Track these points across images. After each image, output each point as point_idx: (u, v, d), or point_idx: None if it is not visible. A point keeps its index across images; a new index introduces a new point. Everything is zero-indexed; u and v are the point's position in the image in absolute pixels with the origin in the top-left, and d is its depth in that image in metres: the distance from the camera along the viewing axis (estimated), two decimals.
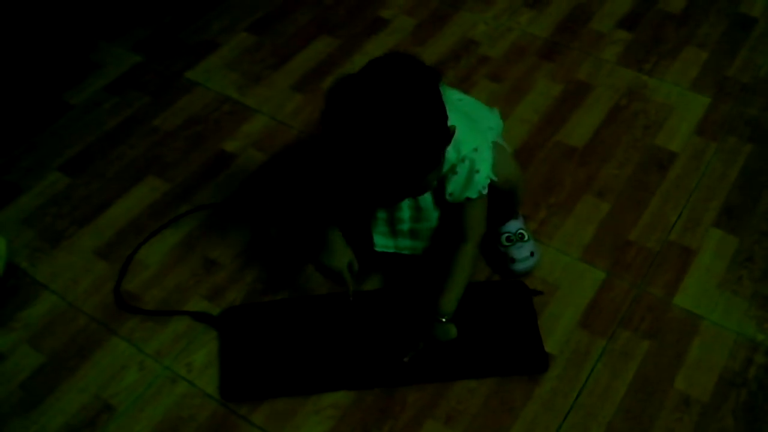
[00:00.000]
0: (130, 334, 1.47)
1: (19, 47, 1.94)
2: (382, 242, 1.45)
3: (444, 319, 1.37)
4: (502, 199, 1.49)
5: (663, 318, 1.48)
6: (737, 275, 1.54)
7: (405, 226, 1.41)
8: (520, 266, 1.51)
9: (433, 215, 1.39)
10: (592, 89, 1.92)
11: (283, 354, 1.41)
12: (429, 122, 1.16)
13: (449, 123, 1.21)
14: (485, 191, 1.34)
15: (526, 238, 1.53)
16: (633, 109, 1.87)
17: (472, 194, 1.32)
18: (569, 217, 1.64)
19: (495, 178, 1.35)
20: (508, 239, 1.53)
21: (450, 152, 1.27)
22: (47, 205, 1.68)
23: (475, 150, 1.30)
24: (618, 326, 1.47)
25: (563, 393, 1.38)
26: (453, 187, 1.32)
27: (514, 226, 1.54)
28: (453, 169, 1.31)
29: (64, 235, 1.63)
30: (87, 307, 1.51)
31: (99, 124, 1.86)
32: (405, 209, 1.38)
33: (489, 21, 2.12)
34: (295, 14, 2.15)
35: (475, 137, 1.31)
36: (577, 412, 1.35)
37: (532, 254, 1.52)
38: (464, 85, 1.90)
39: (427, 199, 1.36)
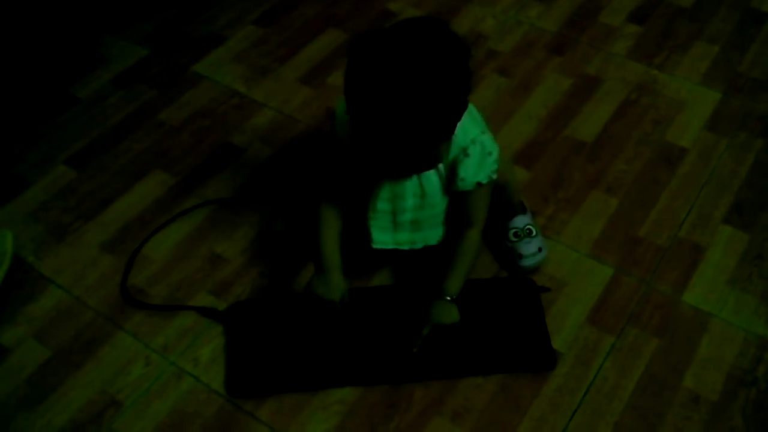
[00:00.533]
0: (136, 329, 1.46)
1: (25, 40, 1.94)
2: (380, 238, 1.42)
3: (449, 298, 1.37)
4: (497, 194, 1.49)
5: (672, 315, 1.47)
6: (747, 272, 1.53)
7: (407, 216, 1.39)
8: (528, 262, 1.50)
9: (437, 200, 1.37)
10: (601, 83, 1.90)
11: (290, 349, 1.41)
12: (452, 84, 1.14)
13: None
14: (495, 176, 1.33)
15: (534, 233, 1.52)
16: (643, 104, 1.85)
17: (483, 179, 1.31)
18: (578, 212, 1.63)
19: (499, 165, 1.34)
20: (515, 235, 1.52)
21: (458, 135, 1.25)
22: (53, 199, 1.68)
23: (483, 133, 1.29)
24: (627, 323, 1.45)
25: (571, 390, 1.37)
26: (465, 171, 1.29)
27: (521, 221, 1.53)
28: (464, 152, 1.28)
29: (70, 229, 1.62)
30: (93, 302, 1.50)
31: (105, 118, 1.85)
32: (409, 197, 1.35)
33: (497, 15, 2.10)
34: (302, 7, 2.14)
35: (477, 125, 1.31)
36: (585, 409, 1.34)
37: (540, 250, 1.51)
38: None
39: (432, 181, 1.33)
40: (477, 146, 1.28)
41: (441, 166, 1.30)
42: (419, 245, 1.44)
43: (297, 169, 1.72)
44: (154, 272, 1.55)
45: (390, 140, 1.15)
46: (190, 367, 1.41)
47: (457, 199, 1.36)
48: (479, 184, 1.31)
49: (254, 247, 1.58)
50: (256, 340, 1.42)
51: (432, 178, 1.33)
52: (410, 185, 1.33)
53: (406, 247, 1.44)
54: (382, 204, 1.37)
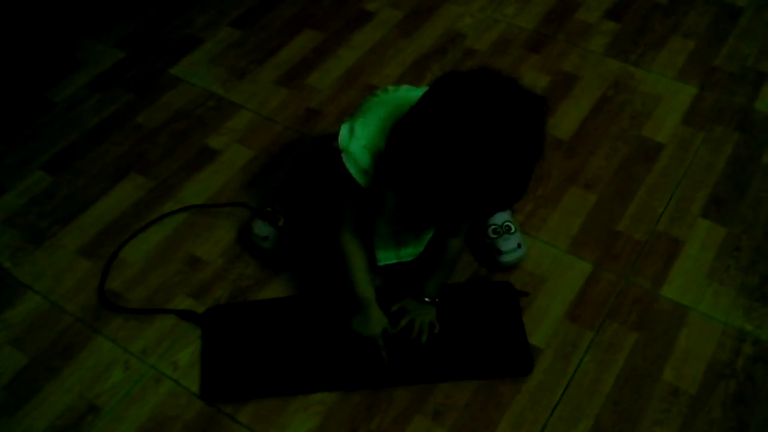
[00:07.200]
0: (115, 334, 1.45)
1: (0, 45, 1.92)
2: (384, 256, 1.43)
3: (427, 299, 1.40)
4: None
5: (651, 309, 1.47)
6: (725, 265, 1.54)
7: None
8: (507, 258, 1.50)
9: None
10: (578, 80, 1.91)
11: (268, 354, 1.40)
12: (538, 147, 1.13)
13: None
14: None
15: (513, 230, 1.52)
16: (620, 100, 1.86)
17: None
18: (556, 209, 1.63)
19: None
20: (494, 231, 1.52)
21: None
22: (30, 204, 1.66)
23: None
24: (606, 318, 1.46)
25: (551, 386, 1.37)
26: None
27: (500, 218, 1.53)
28: None
29: (47, 234, 1.61)
30: (70, 307, 1.49)
31: (82, 122, 1.84)
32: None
33: (475, 13, 2.10)
34: (279, 8, 2.13)
35: None
36: (565, 405, 1.35)
37: (519, 246, 1.51)
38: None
39: None
40: None
41: None
42: (417, 255, 1.45)
43: (277, 171, 1.72)
44: (132, 276, 1.54)
45: (478, 207, 1.15)
46: (170, 370, 1.40)
47: None
48: None
49: (233, 250, 1.57)
50: (234, 344, 1.41)
51: None
52: None
53: (409, 259, 1.45)
54: (384, 227, 1.37)
